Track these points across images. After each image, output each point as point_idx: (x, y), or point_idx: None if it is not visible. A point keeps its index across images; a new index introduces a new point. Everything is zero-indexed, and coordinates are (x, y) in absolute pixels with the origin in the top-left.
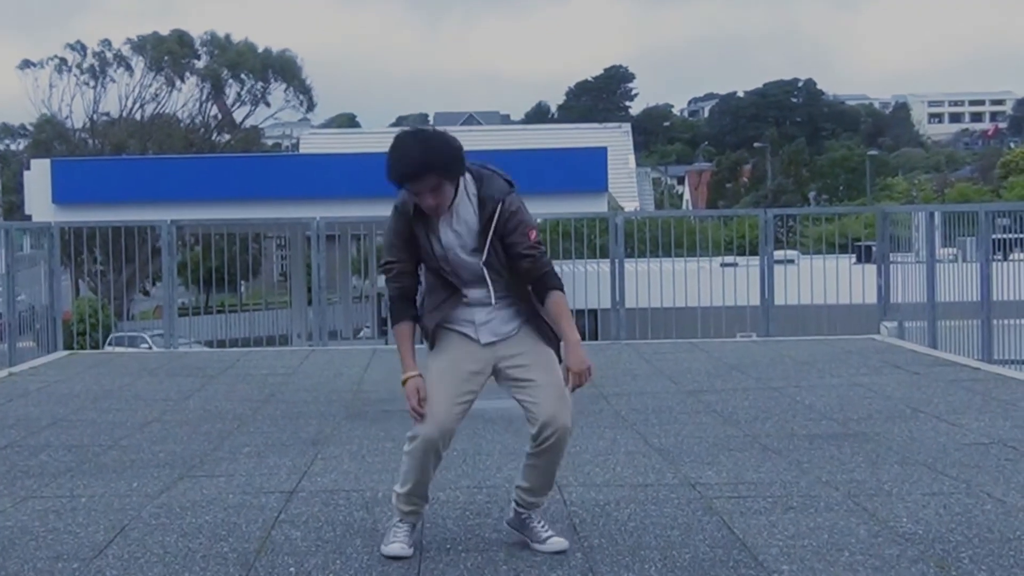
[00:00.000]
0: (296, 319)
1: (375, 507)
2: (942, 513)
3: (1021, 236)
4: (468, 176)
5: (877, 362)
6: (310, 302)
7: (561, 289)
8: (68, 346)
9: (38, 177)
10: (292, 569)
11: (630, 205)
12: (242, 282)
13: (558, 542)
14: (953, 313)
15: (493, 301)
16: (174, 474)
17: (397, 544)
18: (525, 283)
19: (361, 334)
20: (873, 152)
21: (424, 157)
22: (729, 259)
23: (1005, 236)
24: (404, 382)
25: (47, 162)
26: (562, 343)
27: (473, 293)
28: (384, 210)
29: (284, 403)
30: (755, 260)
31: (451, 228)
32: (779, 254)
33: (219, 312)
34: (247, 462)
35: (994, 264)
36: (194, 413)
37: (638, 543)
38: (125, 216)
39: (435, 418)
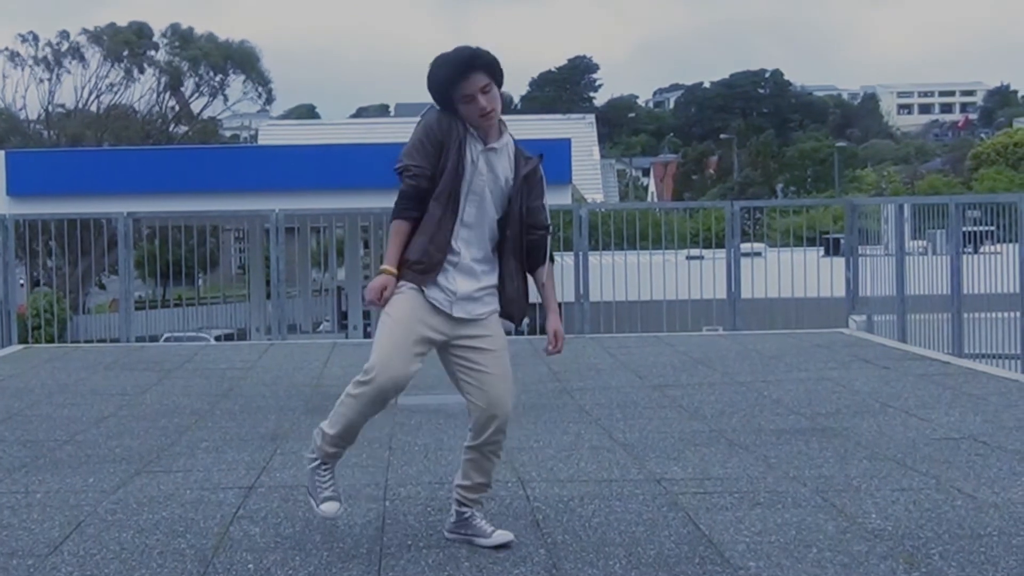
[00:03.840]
0: (255, 312)
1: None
2: (911, 509)
3: (992, 229)
4: (504, 124)
5: (846, 356)
6: (269, 295)
7: (552, 261)
8: (23, 340)
9: None
10: (251, 566)
11: (594, 197)
12: (200, 275)
13: (503, 535)
14: (923, 307)
15: (487, 264)
16: (131, 469)
17: (333, 502)
18: (521, 254)
19: (321, 328)
20: (841, 144)
21: (470, 52)
22: (695, 252)
23: (976, 229)
24: (383, 271)
25: (1, 154)
26: (549, 311)
27: (463, 249)
28: (344, 202)
29: (243, 397)
30: (721, 253)
31: (488, 158)
32: (746, 247)
33: (176, 305)
34: (205, 457)
35: (964, 257)
36: (151, 408)
37: (602, 539)
38: (81, 208)
39: (392, 369)
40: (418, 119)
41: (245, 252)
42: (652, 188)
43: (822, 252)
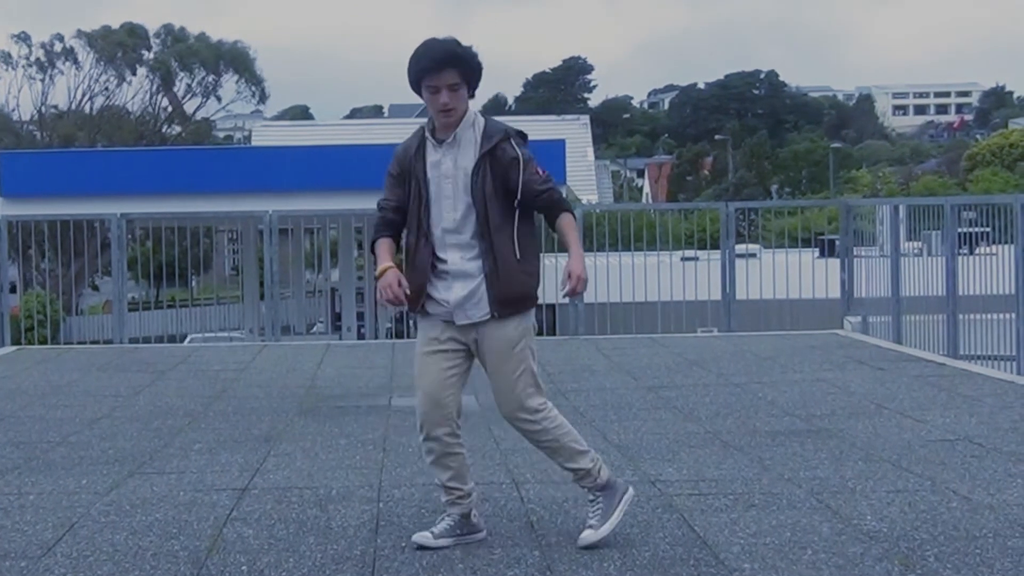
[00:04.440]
0: (248, 314)
1: (328, 504)
2: (907, 510)
3: (987, 230)
4: (478, 116)
5: (841, 357)
6: (262, 297)
7: (571, 212)
8: (16, 342)
9: None
10: (244, 567)
11: (589, 198)
12: (193, 276)
13: (586, 537)
14: (918, 308)
15: (477, 256)
16: (124, 471)
17: (426, 533)
18: (509, 233)
19: (314, 329)
20: (836, 145)
21: (451, 48)
22: (690, 253)
23: (971, 230)
24: (380, 275)
25: None
26: (569, 253)
27: (453, 259)
28: (337, 203)
29: (236, 399)
30: (716, 254)
31: (449, 154)
32: (741, 248)
33: (170, 307)
34: (198, 459)
35: (960, 258)
36: (144, 409)
37: (597, 541)
38: (74, 209)
39: (425, 409)
40: (413, 119)
41: (238, 253)
42: (647, 189)
43: (817, 253)
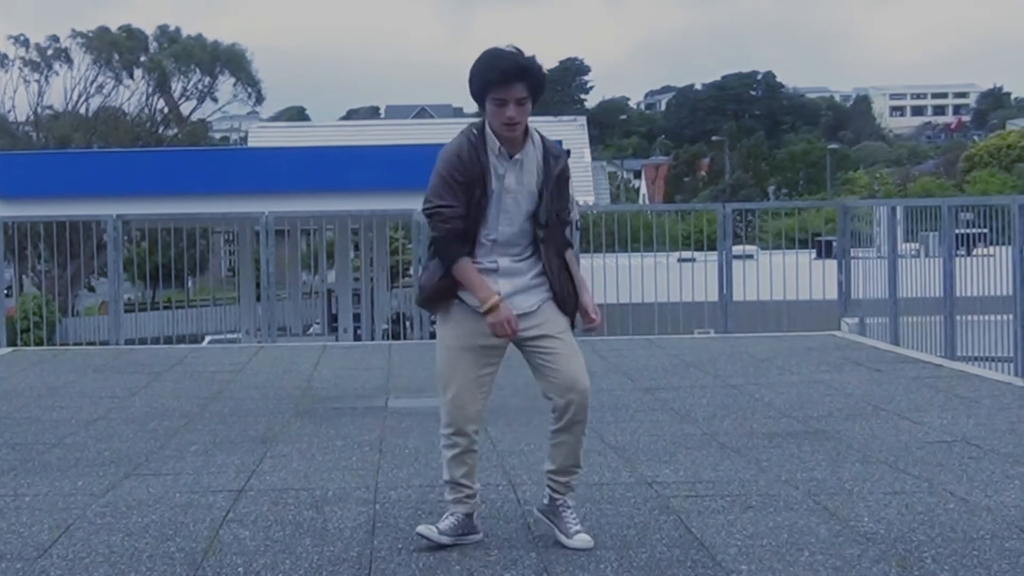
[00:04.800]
0: (244, 315)
1: (325, 506)
2: (904, 512)
3: (984, 231)
4: (532, 130)
5: (838, 359)
6: (259, 298)
7: (572, 247)
8: (12, 343)
9: None
10: (240, 569)
11: (586, 199)
12: (189, 278)
13: (584, 539)
14: (915, 309)
15: (527, 259)
16: (120, 472)
17: (432, 527)
18: (560, 248)
19: (311, 330)
20: (834, 146)
21: (521, 61)
22: (687, 254)
23: (968, 231)
24: (491, 309)
25: None
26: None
27: (503, 262)
28: (334, 205)
29: (232, 400)
30: (713, 255)
31: (514, 171)
32: (738, 249)
33: (166, 308)
34: (194, 460)
35: (957, 259)
36: (140, 411)
37: (594, 542)
38: (70, 211)
39: (458, 405)
40: (409, 121)
41: (235, 255)
42: (643, 190)
43: (814, 254)
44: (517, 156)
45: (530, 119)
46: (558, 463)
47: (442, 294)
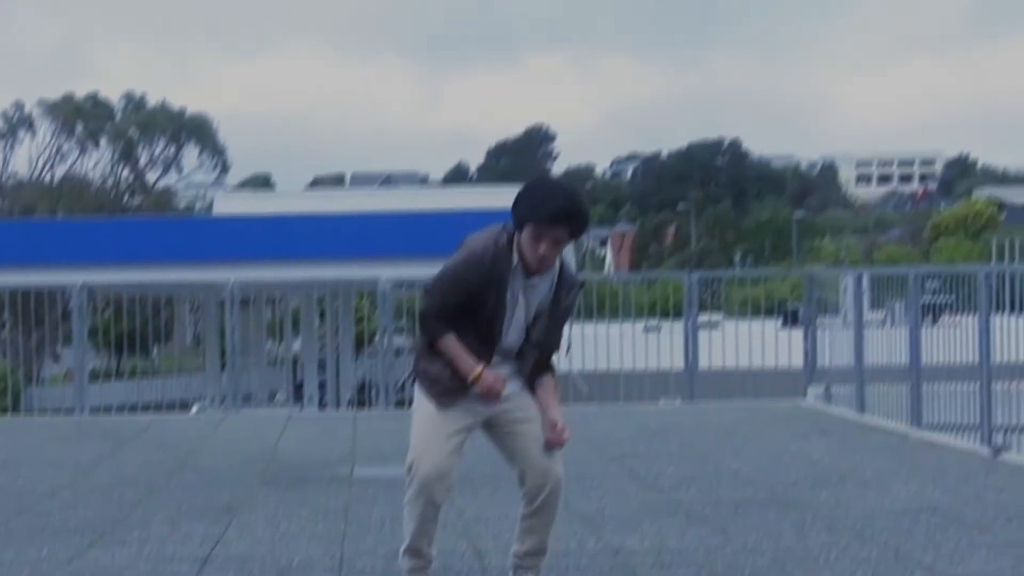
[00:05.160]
0: (209, 384)
1: (290, 575)
2: None
3: (951, 300)
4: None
5: (804, 427)
6: (223, 367)
7: (552, 372)
8: None
9: None
10: None
11: None
12: (154, 346)
13: None
14: (881, 377)
15: (514, 371)
16: (85, 541)
17: None
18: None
19: (276, 399)
20: (800, 214)
21: (573, 208)
22: (652, 322)
23: (935, 300)
24: (476, 378)
25: None
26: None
27: (497, 360)
28: (299, 273)
29: (198, 469)
30: (679, 324)
31: (528, 290)
32: (704, 318)
33: (131, 376)
34: (160, 529)
35: (923, 328)
36: (105, 479)
37: None
38: (35, 279)
39: (430, 457)
40: (375, 190)
41: (200, 323)
42: (609, 259)
43: (780, 323)
44: (534, 280)
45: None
46: (527, 546)
47: (460, 388)
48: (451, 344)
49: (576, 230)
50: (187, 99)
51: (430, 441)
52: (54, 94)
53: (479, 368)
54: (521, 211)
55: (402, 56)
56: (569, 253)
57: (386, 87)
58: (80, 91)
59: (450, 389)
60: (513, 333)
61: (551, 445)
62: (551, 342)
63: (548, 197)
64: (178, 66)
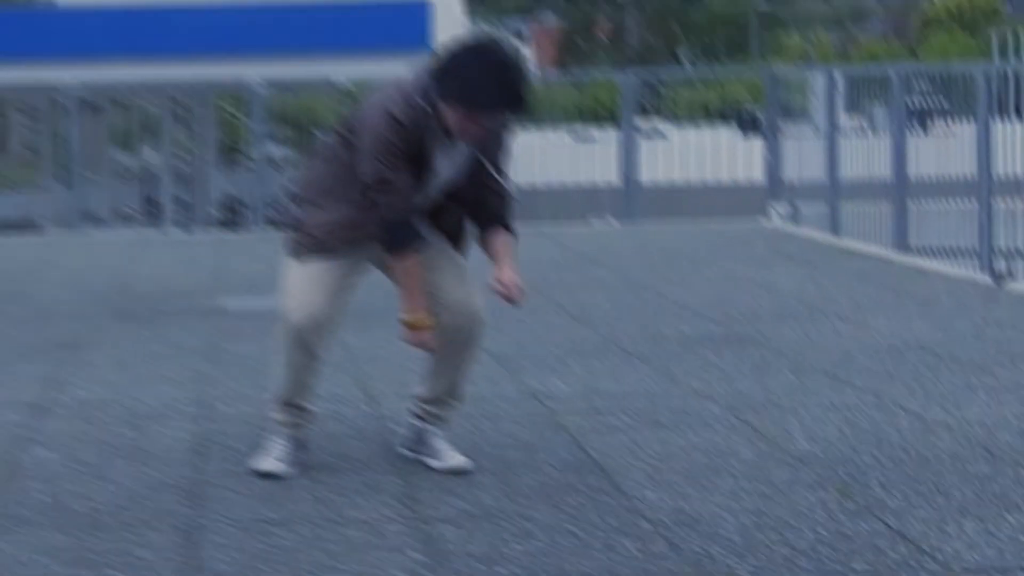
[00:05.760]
0: (47, 201)
1: (142, 423)
2: (845, 430)
3: (944, 106)
4: None
5: (765, 251)
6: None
7: (511, 231)
8: None
9: None
10: (47, 498)
11: None
12: None
13: (459, 461)
14: (860, 194)
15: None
16: None
17: (271, 460)
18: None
19: (127, 218)
20: (762, 4)
21: (529, 93)
22: (583, 130)
23: (924, 104)
24: (415, 325)
25: None
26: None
27: None
28: (154, 72)
29: (34, 300)
30: (615, 132)
31: (450, 154)
32: (646, 125)
33: None
34: None
35: (910, 137)
36: None
37: (471, 465)
38: None
39: (306, 302)
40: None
41: (36, 131)
42: (530, 56)
43: (737, 130)
44: (458, 143)
45: None
46: (435, 390)
47: (340, 240)
48: (414, 269)
49: (516, 114)
50: None
51: (306, 283)
52: None
53: (423, 315)
54: (450, 87)
55: None
56: None
57: None
58: None
59: (335, 240)
60: (422, 198)
61: (508, 301)
62: (488, 196)
63: (486, 79)
64: None
